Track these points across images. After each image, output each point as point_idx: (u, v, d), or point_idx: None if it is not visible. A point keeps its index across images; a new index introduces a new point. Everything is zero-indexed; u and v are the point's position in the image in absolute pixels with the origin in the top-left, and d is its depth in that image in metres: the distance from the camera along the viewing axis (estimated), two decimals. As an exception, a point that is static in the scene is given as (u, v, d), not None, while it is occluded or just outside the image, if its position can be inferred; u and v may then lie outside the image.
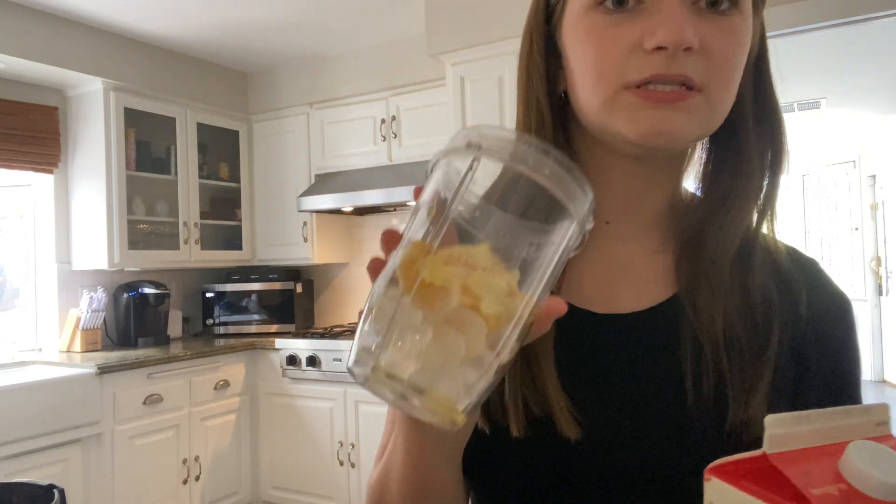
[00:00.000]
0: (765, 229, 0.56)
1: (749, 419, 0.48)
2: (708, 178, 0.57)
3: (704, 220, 0.54)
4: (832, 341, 0.55)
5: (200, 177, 3.73)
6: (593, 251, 0.55)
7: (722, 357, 0.49)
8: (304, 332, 3.64)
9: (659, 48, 0.46)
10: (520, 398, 0.51)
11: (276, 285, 3.79)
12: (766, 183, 0.55)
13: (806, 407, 0.37)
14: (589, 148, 0.56)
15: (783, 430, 0.33)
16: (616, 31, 0.48)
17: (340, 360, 3.21)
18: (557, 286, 0.51)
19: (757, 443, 0.34)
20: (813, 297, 0.55)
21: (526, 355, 0.51)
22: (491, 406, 0.52)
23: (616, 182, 0.55)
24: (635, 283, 0.55)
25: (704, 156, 0.58)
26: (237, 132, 3.96)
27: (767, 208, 0.55)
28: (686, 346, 0.51)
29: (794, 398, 0.51)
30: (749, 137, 0.54)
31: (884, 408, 0.35)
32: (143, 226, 3.54)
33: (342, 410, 3.22)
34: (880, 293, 6.51)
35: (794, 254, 0.58)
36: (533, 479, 0.52)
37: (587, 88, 0.50)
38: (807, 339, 0.53)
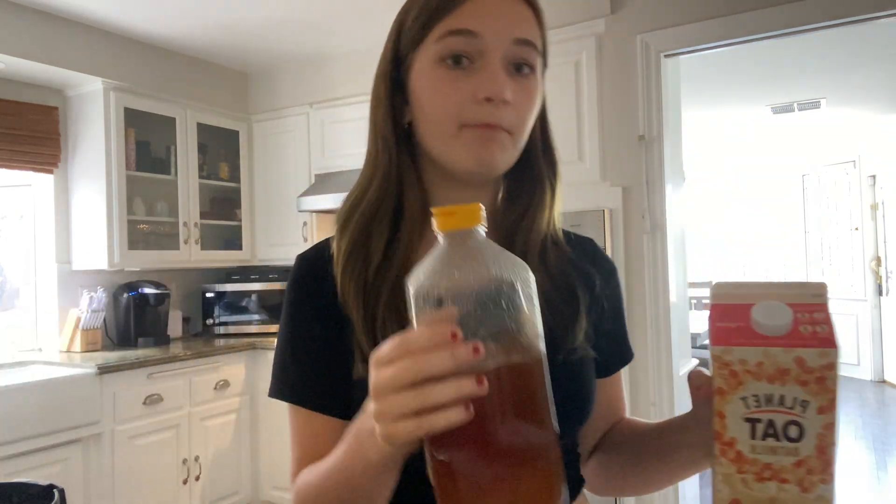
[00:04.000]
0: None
1: (575, 348, 0.72)
2: (510, 195, 0.78)
3: (514, 224, 0.76)
4: (614, 298, 0.83)
5: (200, 177, 3.73)
6: None
7: (547, 316, 0.68)
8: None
9: (487, 99, 0.66)
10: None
11: (276, 285, 3.79)
12: (552, 185, 0.77)
13: (602, 340, 0.77)
14: (434, 169, 0.74)
15: (724, 292, 0.55)
16: (456, 84, 0.67)
17: (340, 360, 3.21)
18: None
19: (580, 361, 0.72)
20: (598, 265, 0.81)
21: (400, 320, 0.66)
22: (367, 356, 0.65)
23: (453, 197, 0.74)
24: None
25: (506, 181, 0.78)
26: (237, 132, 3.96)
27: (553, 213, 0.77)
28: None
29: (596, 333, 0.76)
30: (540, 165, 0.76)
31: (822, 285, 0.53)
32: (143, 226, 3.54)
33: (342, 410, 3.22)
34: (880, 293, 6.51)
35: (574, 235, 0.83)
36: None
37: (434, 123, 0.69)
38: (601, 295, 0.79)
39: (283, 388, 0.74)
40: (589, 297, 0.76)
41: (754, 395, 0.53)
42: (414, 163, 0.74)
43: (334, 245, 0.74)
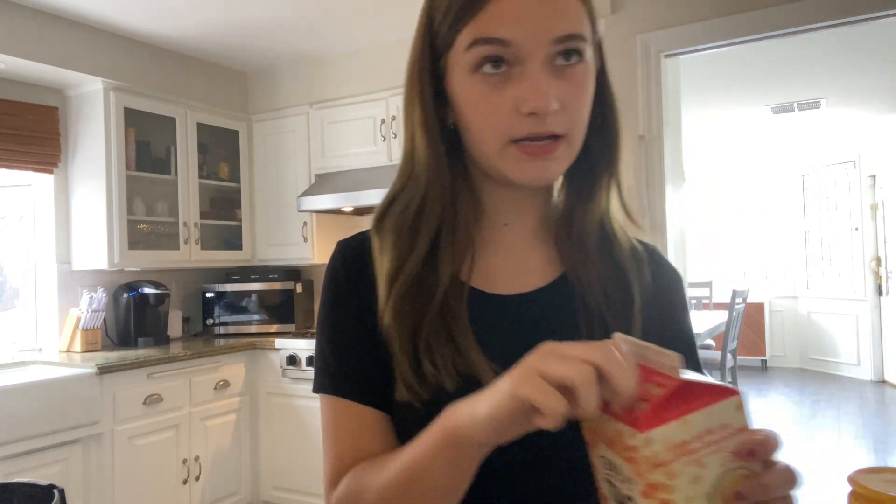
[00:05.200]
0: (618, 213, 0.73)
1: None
2: (566, 181, 0.72)
3: (568, 212, 0.70)
4: (675, 307, 0.74)
5: (200, 177, 3.73)
6: (496, 247, 0.70)
7: (605, 314, 0.67)
8: (304, 332, 3.64)
9: (531, 113, 0.59)
10: (449, 362, 0.62)
11: (276, 285, 3.79)
12: (612, 172, 0.69)
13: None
14: (483, 173, 0.69)
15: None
16: (497, 97, 0.60)
17: (340, 360, 3.21)
18: (468, 275, 0.67)
19: None
20: (655, 268, 0.73)
21: (448, 334, 0.63)
22: (417, 380, 0.63)
23: (507, 196, 0.70)
24: (530, 268, 0.70)
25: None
26: (237, 132, 3.96)
27: (610, 198, 0.69)
28: (580, 311, 0.67)
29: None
30: (592, 151, 0.67)
31: (677, 357, 0.46)
32: (143, 226, 3.54)
33: (342, 410, 3.22)
34: (880, 293, 6.51)
35: (638, 240, 0.75)
36: None
37: (480, 139, 0.63)
38: (653, 303, 0.70)
39: (325, 380, 0.68)
40: (644, 300, 0.70)
41: (601, 457, 0.49)
42: (466, 169, 0.69)
43: (374, 248, 0.69)
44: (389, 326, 0.64)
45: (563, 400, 0.45)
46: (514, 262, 0.70)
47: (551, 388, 0.45)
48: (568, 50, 0.60)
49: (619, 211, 0.70)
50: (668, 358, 0.47)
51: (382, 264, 0.67)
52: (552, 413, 0.44)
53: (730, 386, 0.46)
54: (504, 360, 0.58)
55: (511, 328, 0.67)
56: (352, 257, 0.70)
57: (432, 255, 0.66)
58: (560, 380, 0.45)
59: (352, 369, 0.67)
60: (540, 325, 0.67)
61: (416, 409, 0.62)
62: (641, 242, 0.75)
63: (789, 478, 0.47)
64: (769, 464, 0.47)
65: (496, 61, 0.59)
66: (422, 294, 0.64)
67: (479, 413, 0.50)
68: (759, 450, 0.46)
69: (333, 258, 0.72)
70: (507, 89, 0.60)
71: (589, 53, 0.63)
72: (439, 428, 0.54)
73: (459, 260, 0.67)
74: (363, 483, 0.61)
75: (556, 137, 0.61)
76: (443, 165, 0.66)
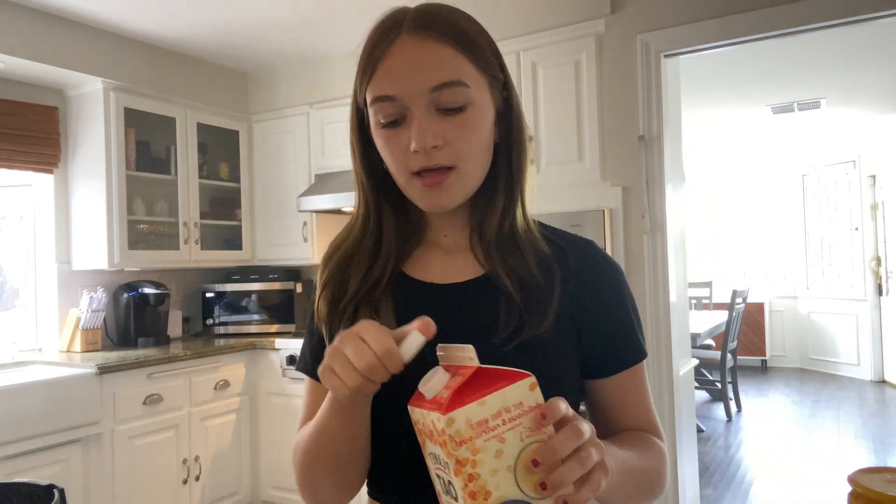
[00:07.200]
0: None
1: (540, 334, 0.75)
2: (476, 200, 0.82)
3: (478, 224, 0.83)
4: (611, 298, 0.82)
5: (200, 177, 3.73)
6: (438, 250, 0.85)
7: (521, 307, 0.77)
8: (304, 332, 3.64)
9: (415, 151, 0.72)
10: None
11: (276, 285, 3.79)
12: (508, 190, 0.81)
13: (592, 339, 0.80)
14: None
15: (446, 353, 0.57)
16: (395, 141, 0.74)
17: (340, 360, 3.21)
18: (407, 269, 0.84)
19: (542, 348, 0.74)
20: (584, 263, 0.82)
21: (375, 309, 0.79)
22: None
23: (440, 215, 0.83)
24: (461, 267, 0.83)
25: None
26: (237, 132, 3.96)
27: (516, 205, 0.81)
28: (501, 303, 0.77)
29: (584, 332, 0.80)
30: (497, 175, 0.81)
31: (470, 348, 0.55)
32: (143, 226, 3.54)
33: (342, 410, 3.22)
34: (880, 293, 6.51)
35: (564, 235, 0.86)
36: (380, 403, 0.74)
37: (394, 175, 0.78)
38: (574, 295, 0.80)
39: (299, 361, 0.91)
40: (563, 291, 0.79)
41: (430, 454, 0.56)
42: (393, 203, 0.83)
43: (318, 275, 0.87)
44: (320, 323, 0.83)
45: (358, 377, 0.59)
46: (448, 262, 0.84)
47: (347, 371, 0.59)
48: (448, 102, 0.72)
49: (523, 221, 0.83)
50: (465, 351, 0.55)
51: (318, 287, 0.86)
52: (355, 390, 0.60)
53: (523, 371, 0.53)
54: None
55: (435, 309, 0.78)
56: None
57: (374, 255, 0.82)
58: (352, 365, 0.60)
59: (310, 352, 0.88)
60: (460, 309, 0.79)
61: None
62: (573, 238, 0.86)
63: (573, 433, 0.53)
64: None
65: (391, 115, 0.73)
66: (348, 309, 0.81)
67: (336, 403, 0.68)
68: (547, 413, 0.53)
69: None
70: (402, 134, 0.74)
71: (475, 95, 0.74)
72: (325, 404, 0.72)
73: (401, 259, 0.83)
74: (301, 436, 0.81)
75: (446, 168, 0.74)
76: (371, 205, 0.83)
